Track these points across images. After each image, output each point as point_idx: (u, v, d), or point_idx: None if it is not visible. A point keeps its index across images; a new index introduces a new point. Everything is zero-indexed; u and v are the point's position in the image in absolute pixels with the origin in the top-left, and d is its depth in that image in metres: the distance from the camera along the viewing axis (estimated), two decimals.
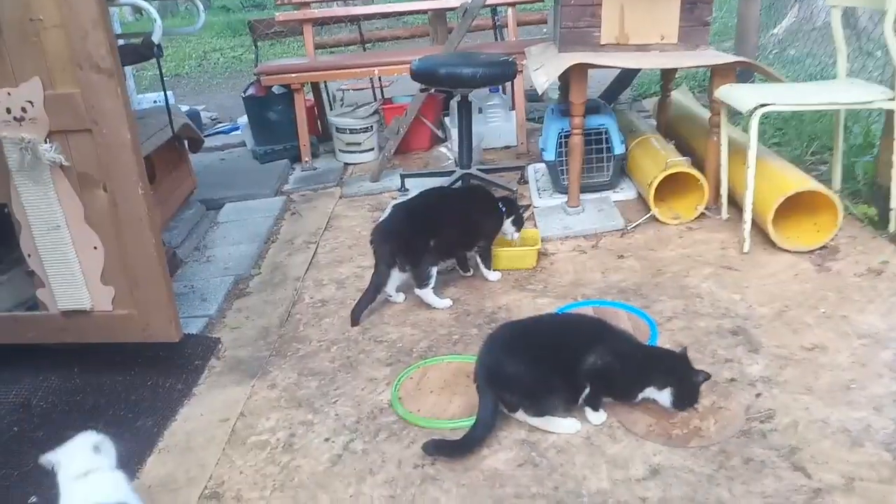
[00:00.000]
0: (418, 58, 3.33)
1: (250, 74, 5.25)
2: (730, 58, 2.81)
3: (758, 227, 2.61)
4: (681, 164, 2.86)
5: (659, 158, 2.99)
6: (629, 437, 1.74)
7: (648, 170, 3.01)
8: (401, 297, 2.52)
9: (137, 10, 2.90)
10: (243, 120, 4.82)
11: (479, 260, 2.60)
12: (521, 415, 1.79)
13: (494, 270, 2.62)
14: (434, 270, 2.42)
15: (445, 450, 1.72)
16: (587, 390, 1.76)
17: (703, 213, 2.93)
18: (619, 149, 3.16)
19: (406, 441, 1.81)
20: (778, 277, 2.41)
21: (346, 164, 4.30)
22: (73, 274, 2.16)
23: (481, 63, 3.22)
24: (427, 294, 2.43)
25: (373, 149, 4.32)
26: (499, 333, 1.83)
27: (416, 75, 3.28)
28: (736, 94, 2.63)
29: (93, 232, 2.12)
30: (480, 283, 2.61)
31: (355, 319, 2.41)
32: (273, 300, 2.71)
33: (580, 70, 2.78)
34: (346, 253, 3.04)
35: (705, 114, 3.45)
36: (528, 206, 2.85)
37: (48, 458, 1.50)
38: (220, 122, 5.82)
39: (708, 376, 1.75)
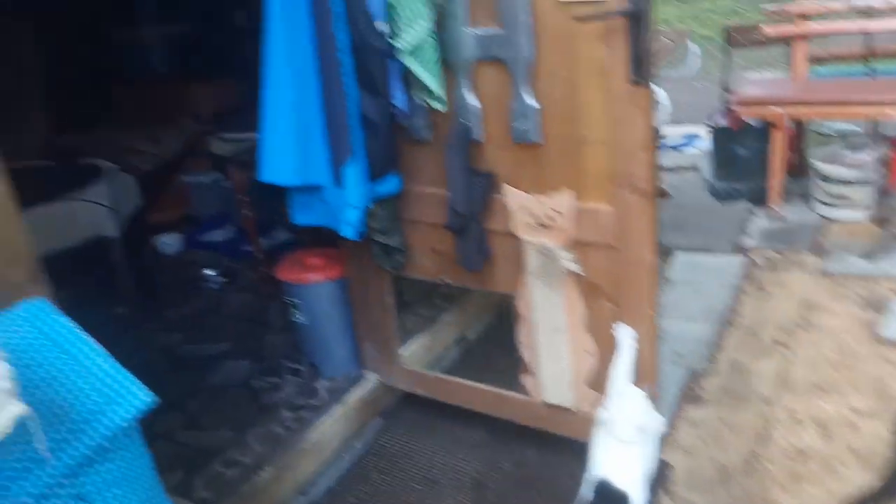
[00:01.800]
0: None
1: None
2: None
3: None
4: None
5: None
6: None
7: None
8: None
9: None
10: (700, 142, 4.39)
11: None
12: None
13: None
14: None
15: None
16: None
17: None
18: None
19: None
20: None
21: (824, 218, 3.57)
22: (562, 373, 2.18)
23: None
24: None
25: (867, 207, 3.49)
26: None
27: None
28: None
29: (590, 338, 2.10)
30: None
31: None
32: (733, 424, 2.32)
33: None
34: (830, 376, 2.46)
35: None
36: None
37: None
38: (670, 126, 5.41)
39: None
